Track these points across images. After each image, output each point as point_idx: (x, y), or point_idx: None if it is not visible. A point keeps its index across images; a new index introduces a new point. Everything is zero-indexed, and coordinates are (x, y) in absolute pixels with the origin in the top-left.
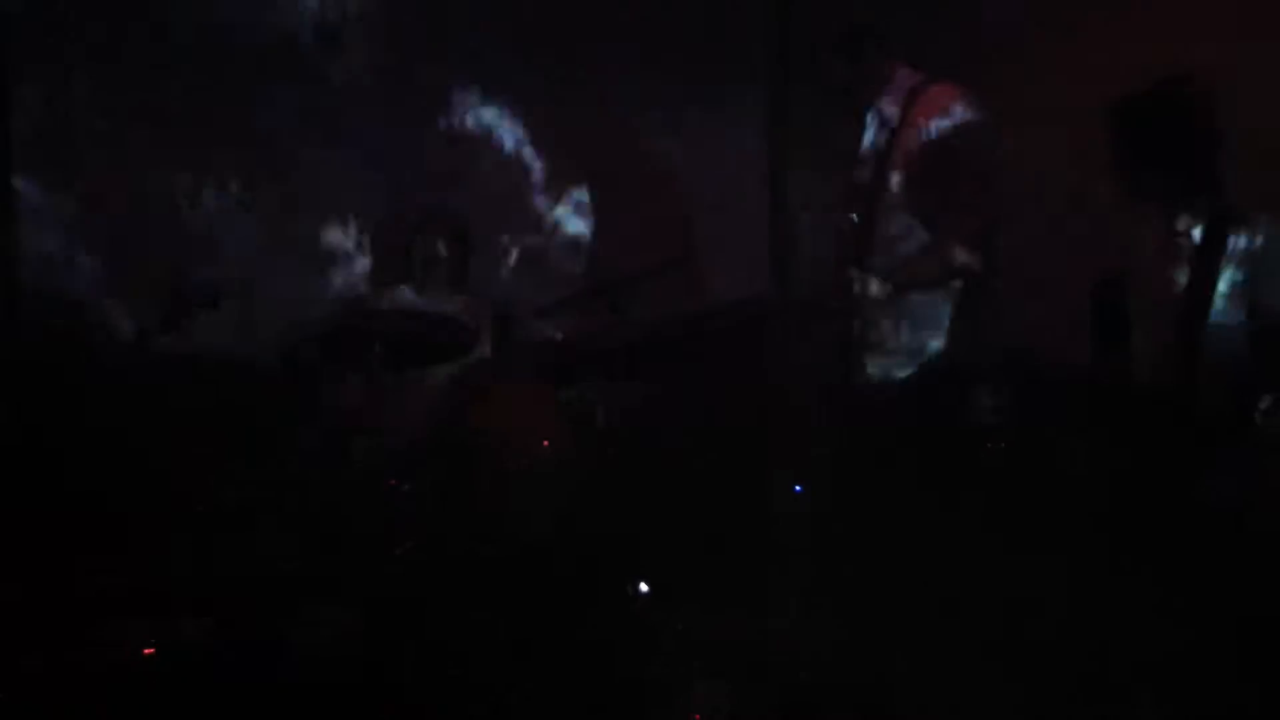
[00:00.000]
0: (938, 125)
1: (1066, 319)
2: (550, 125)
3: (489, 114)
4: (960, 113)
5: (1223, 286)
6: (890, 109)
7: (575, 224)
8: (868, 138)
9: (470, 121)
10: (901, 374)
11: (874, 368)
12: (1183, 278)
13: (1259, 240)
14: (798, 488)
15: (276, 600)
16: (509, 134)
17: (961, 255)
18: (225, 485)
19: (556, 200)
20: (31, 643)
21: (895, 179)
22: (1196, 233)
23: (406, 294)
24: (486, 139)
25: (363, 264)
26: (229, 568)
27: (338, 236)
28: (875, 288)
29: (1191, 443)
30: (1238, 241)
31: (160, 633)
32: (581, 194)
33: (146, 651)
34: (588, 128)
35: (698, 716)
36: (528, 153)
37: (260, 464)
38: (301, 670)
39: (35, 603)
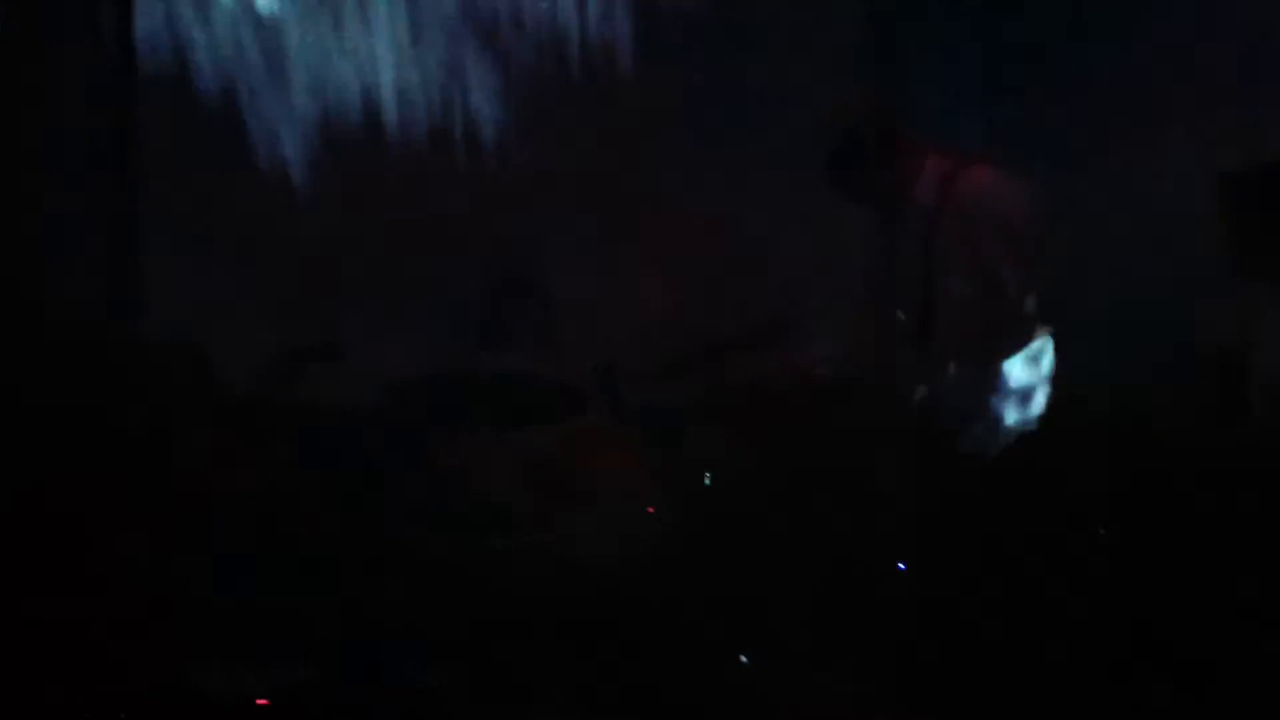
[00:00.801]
0: (977, 204)
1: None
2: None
3: None
4: (998, 186)
5: None
6: (925, 197)
7: (680, 288)
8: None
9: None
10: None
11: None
12: None
13: None
14: (901, 565)
15: (378, 652)
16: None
17: (1026, 318)
18: (327, 537)
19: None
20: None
21: (948, 258)
22: None
23: (505, 356)
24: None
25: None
26: (328, 617)
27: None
28: (951, 367)
29: None
30: None
31: (272, 681)
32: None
33: (260, 702)
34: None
35: None
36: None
37: (359, 519)
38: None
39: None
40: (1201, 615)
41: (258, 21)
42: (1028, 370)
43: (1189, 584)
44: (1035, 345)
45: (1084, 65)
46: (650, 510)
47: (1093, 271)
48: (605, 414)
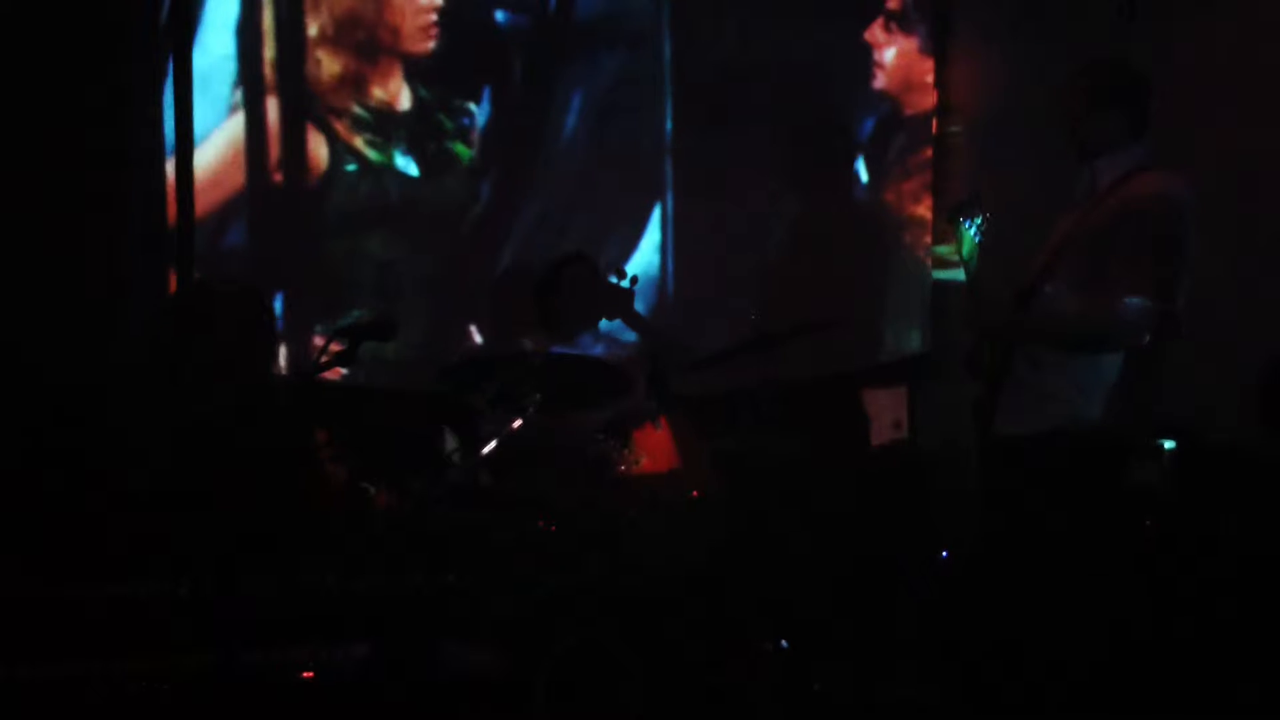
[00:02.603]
0: (1144, 202)
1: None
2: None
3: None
4: (1169, 195)
5: None
6: (1104, 175)
7: (733, 275)
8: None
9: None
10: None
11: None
12: None
13: None
14: (944, 554)
15: (423, 626)
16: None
17: (1138, 320)
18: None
19: (712, 251)
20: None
21: (1086, 239)
22: None
23: (554, 339)
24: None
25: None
26: (377, 591)
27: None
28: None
29: None
30: None
31: (318, 656)
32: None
33: (305, 675)
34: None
35: None
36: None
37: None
38: (445, 700)
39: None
40: None
41: None
42: None
43: None
44: None
45: None
46: (694, 495)
47: None
48: (653, 397)
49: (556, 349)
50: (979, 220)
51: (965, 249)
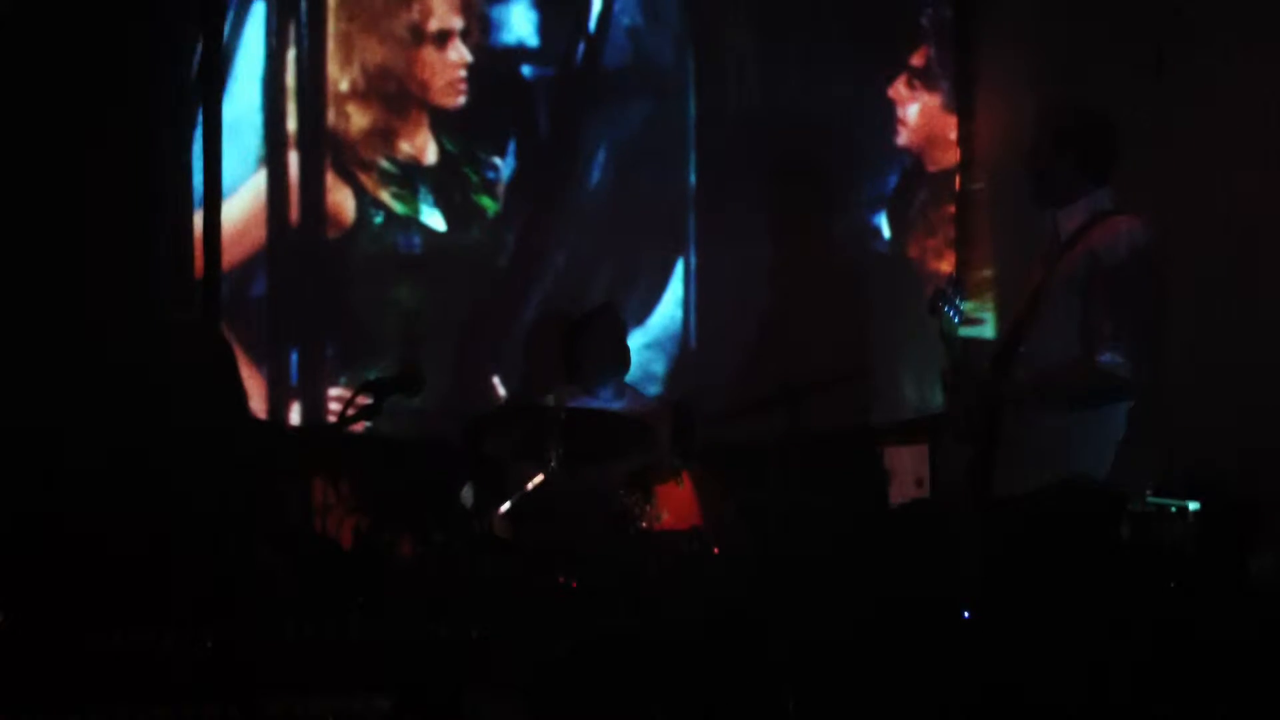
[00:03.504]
0: (1110, 250)
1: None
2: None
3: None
4: (1134, 240)
5: None
6: (1069, 224)
7: (755, 329)
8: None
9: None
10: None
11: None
12: None
13: None
14: (965, 614)
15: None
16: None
17: (1118, 371)
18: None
19: (736, 303)
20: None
21: (1057, 290)
22: None
23: (577, 392)
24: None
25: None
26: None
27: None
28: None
29: None
30: None
31: (340, 708)
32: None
33: None
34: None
35: None
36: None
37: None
38: None
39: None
40: None
41: None
42: None
43: None
44: None
45: None
46: (715, 551)
47: None
48: (675, 452)
49: (580, 402)
50: (959, 304)
51: (946, 330)
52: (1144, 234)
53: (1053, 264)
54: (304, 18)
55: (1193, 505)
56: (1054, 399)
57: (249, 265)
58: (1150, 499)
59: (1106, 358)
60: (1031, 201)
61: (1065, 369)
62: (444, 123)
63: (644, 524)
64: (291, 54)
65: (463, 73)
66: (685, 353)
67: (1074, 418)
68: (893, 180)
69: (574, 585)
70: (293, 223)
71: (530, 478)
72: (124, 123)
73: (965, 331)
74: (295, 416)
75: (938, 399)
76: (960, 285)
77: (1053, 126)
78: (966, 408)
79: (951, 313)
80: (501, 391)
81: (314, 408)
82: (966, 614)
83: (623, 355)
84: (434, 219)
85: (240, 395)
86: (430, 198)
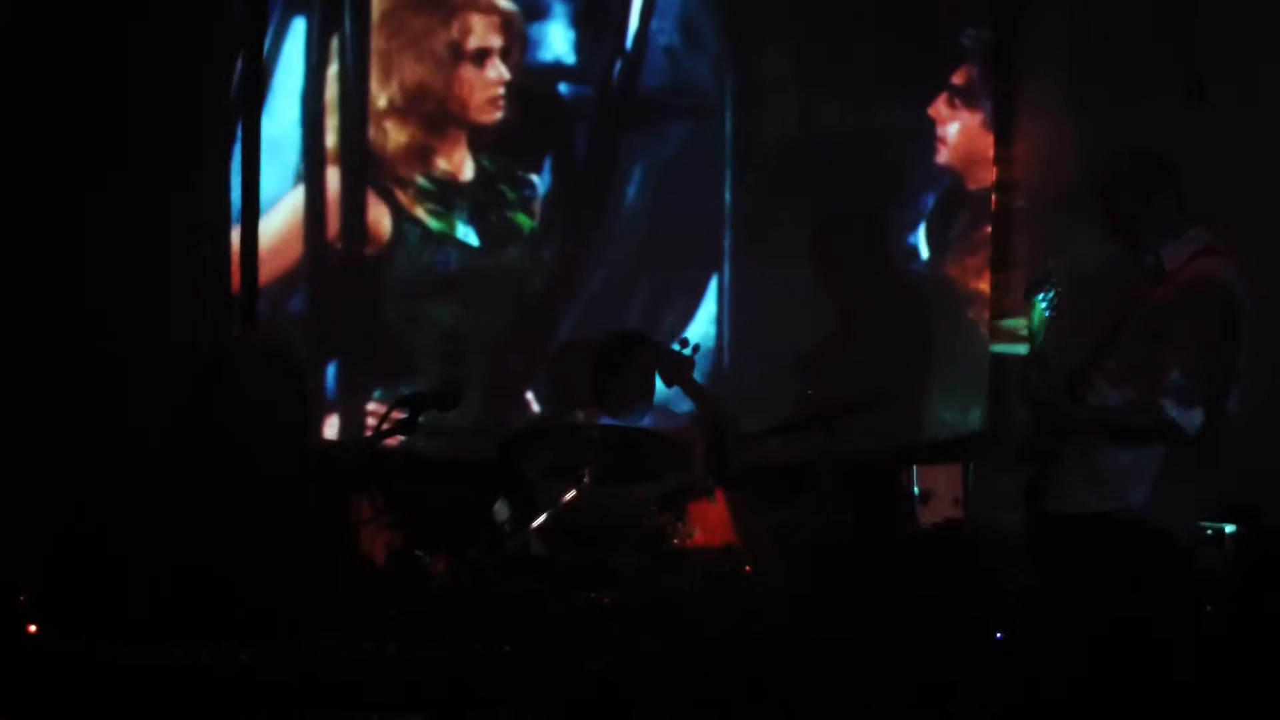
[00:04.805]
0: (1202, 288)
1: None
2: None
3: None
4: (1229, 282)
5: None
6: (1171, 260)
7: (790, 350)
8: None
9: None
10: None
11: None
12: None
13: None
14: (999, 635)
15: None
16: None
17: (1177, 419)
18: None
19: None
20: None
21: (1138, 323)
22: None
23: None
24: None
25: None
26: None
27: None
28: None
29: None
30: None
31: None
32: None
33: None
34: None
35: None
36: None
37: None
38: None
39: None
40: None
41: None
42: None
43: None
44: None
45: None
46: (748, 569)
47: None
48: (709, 470)
49: (612, 420)
50: (1051, 294)
51: (1034, 322)
52: (1235, 278)
53: (1144, 298)
54: (347, 35)
55: (1229, 528)
56: (1113, 433)
57: (286, 281)
58: None
59: (1170, 404)
60: (1126, 245)
61: (1129, 409)
62: (481, 141)
63: (676, 542)
64: (333, 70)
65: (501, 91)
66: (719, 371)
67: (1131, 452)
68: (931, 199)
69: (606, 603)
70: (330, 239)
71: (563, 495)
72: (169, 139)
73: (1002, 348)
74: (332, 431)
75: (975, 419)
76: (1053, 276)
77: (1128, 170)
78: (1035, 406)
79: (1044, 304)
80: (536, 409)
81: (352, 423)
82: (999, 635)
83: (652, 392)
84: (470, 236)
85: (303, 413)
86: (466, 215)
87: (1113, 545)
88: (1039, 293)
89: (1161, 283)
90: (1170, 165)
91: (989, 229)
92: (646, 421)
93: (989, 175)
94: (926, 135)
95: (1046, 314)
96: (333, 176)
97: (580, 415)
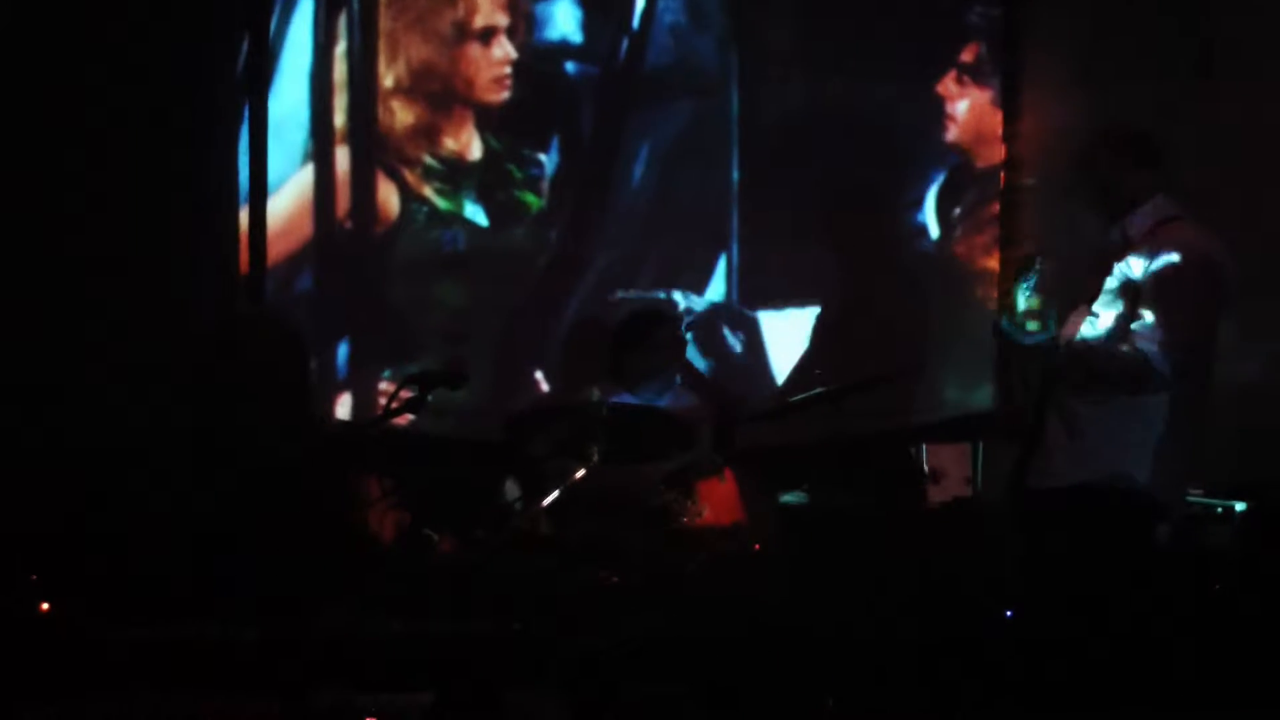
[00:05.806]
0: (1170, 258)
1: None
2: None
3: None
4: (1197, 250)
5: None
6: (1134, 228)
7: (799, 328)
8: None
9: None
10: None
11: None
12: None
13: None
14: (1009, 613)
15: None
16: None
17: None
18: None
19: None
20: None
21: (1109, 293)
22: None
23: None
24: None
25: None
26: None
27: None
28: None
29: None
30: None
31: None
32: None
33: None
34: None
35: None
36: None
37: (472, 546)
38: None
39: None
40: None
41: None
42: None
43: None
44: None
45: None
46: (756, 548)
47: None
48: (718, 451)
49: (621, 398)
50: (1034, 278)
51: (1019, 304)
52: (1207, 241)
53: (1113, 267)
54: (354, 13)
55: (1239, 506)
56: (1093, 372)
57: (294, 260)
58: (1195, 499)
59: (1151, 351)
60: (1096, 211)
61: (1104, 346)
62: (488, 120)
63: (685, 520)
64: (340, 49)
65: (507, 70)
66: (727, 350)
67: (1116, 421)
68: (939, 177)
69: (615, 581)
70: (338, 218)
71: (572, 474)
72: (175, 119)
73: (1010, 328)
74: (341, 410)
75: (983, 397)
76: (1035, 261)
77: (1110, 137)
78: (1022, 398)
79: (1027, 287)
80: (544, 388)
81: (360, 402)
82: (1009, 613)
83: (676, 367)
84: (477, 215)
85: (305, 387)
86: (473, 194)
87: (1099, 518)
88: (1020, 278)
89: (1131, 251)
90: (1142, 136)
91: (997, 206)
92: (657, 400)
93: (997, 153)
94: (935, 113)
95: (1032, 298)
96: (340, 156)
97: (596, 392)
